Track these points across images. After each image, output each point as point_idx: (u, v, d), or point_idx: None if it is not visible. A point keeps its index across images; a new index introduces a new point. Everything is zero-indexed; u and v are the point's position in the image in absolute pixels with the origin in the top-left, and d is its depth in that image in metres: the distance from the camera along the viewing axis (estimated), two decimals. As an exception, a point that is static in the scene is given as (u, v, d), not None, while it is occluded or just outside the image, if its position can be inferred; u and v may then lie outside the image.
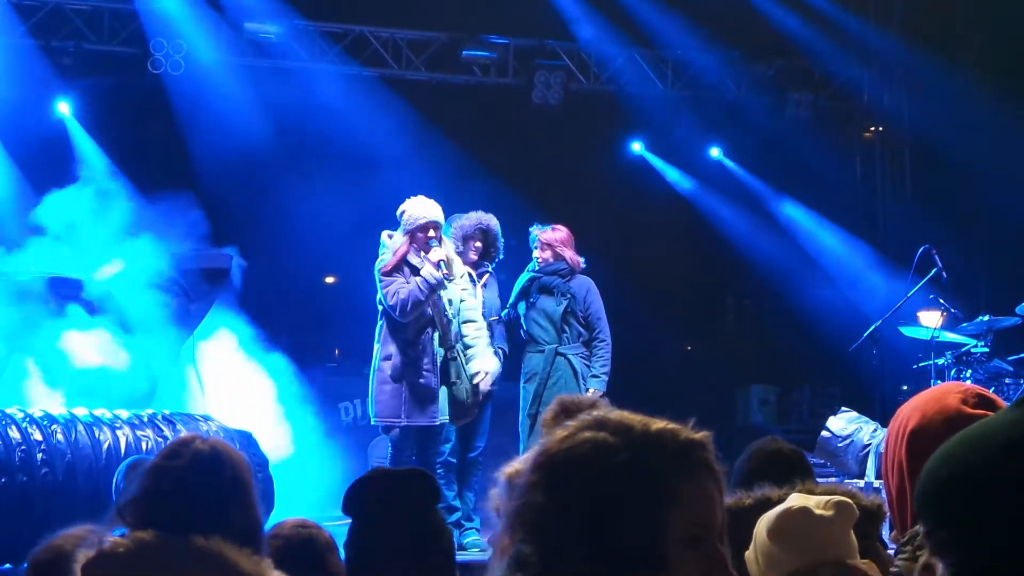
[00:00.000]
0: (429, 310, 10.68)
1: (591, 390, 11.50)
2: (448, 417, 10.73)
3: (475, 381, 10.89)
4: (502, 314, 11.91)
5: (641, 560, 2.34)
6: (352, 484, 4.49)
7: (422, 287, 10.50)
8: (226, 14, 16.42)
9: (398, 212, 10.86)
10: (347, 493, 4.42)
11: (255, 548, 4.16)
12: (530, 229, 12.14)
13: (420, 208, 10.79)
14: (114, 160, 15.88)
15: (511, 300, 11.96)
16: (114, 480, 7.05)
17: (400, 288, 10.54)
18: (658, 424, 2.43)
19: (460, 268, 11.16)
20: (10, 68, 15.29)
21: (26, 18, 15.80)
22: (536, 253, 12.03)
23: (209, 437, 4.52)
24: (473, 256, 11.76)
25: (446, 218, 11.40)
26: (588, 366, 11.76)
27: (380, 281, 10.68)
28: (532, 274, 11.96)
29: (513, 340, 11.97)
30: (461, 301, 10.95)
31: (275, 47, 16.66)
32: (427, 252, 10.67)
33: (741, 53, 18.23)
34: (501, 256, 12.08)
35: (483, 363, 10.99)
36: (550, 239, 11.99)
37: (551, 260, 11.97)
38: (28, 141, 14.97)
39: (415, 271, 10.60)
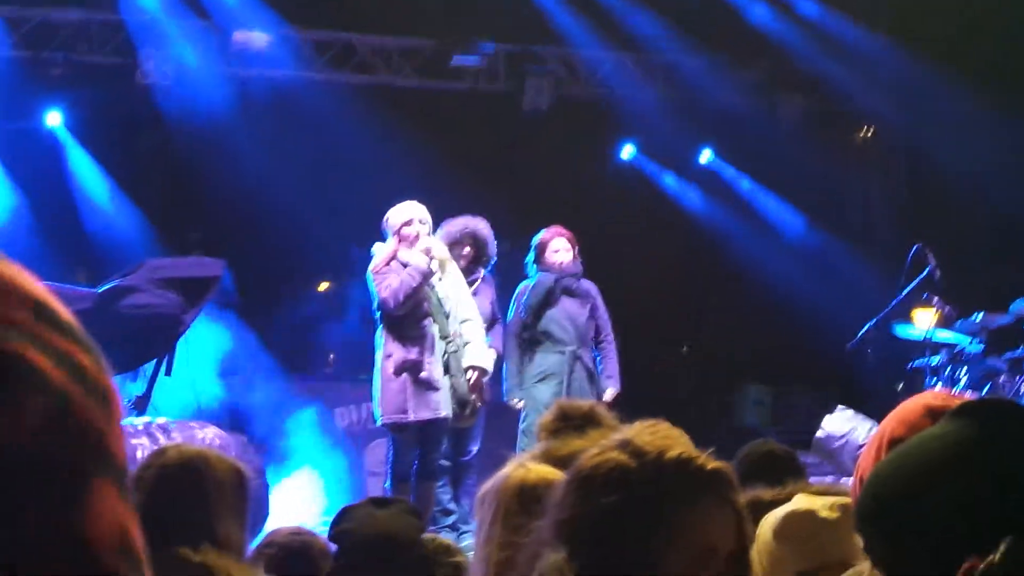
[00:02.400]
0: (425, 304, 10.67)
1: (609, 390, 11.61)
2: (450, 412, 10.71)
3: (467, 377, 10.88)
4: (523, 316, 11.80)
5: (640, 571, 2.57)
6: (337, 513, 4.49)
7: (413, 274, 10.51)
8: (214, 23, 16.40)
9: (383, 222, 10.88)
10: (332, 522, 4.41)
11: (241, 556, 4.13)
12: (542, 232, 12.07)
13: (401, 209, 10.88)
14: (105, 169, 15.87)
15: (534, 303, 11.81)
16: None
17: (392, 280, 10.55)
18: (675, 451, 2.62)
19: (452, 266, 11.14)
20: (-1, 80, 15.29)
21: (14, 29, 15.77)
22: (560, 255, 11.93)
23: (187, 445, 4.48)
24: (463, 263, 11.69)
25: (436, 225, 11.40)
26: (597, 368, 11.82)
27: (373, 280, 10.69)
28: (554, 275, 11.88)
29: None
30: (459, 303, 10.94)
31: (263, 56, 16.62)
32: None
33: (731, 57, 18.20)
34: (495, 260, 12.05)
35: (477, 359, 10.96)
36: (573, 240, 11.99)
37: (570, 261, 11.95)
38: (19, 152, 14.95)
39: (407, 266, 10.60)
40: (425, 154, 16.58)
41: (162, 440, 9.75)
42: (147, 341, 11.22)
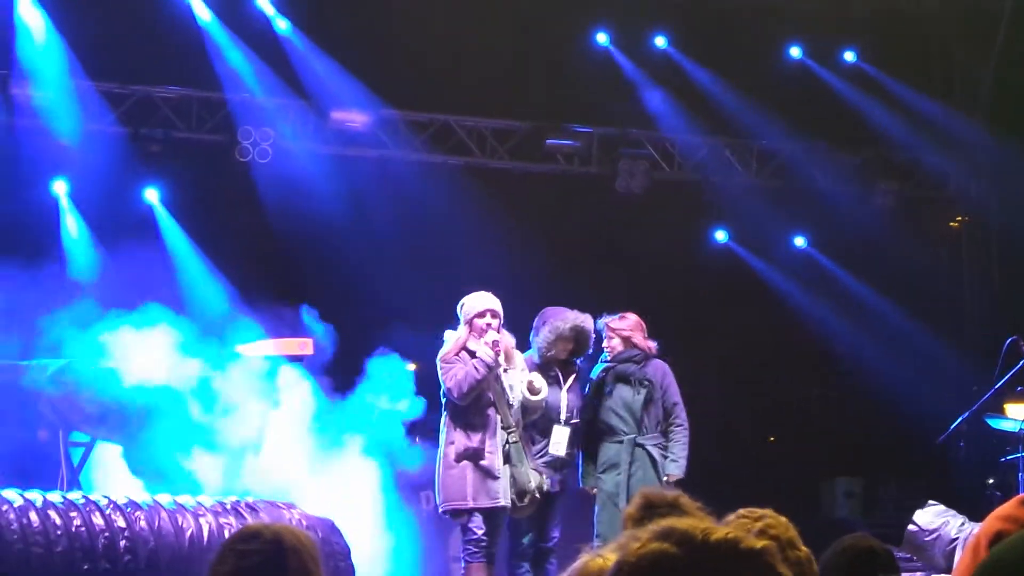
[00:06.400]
0: (490, 393, 10.78)
1: (668, 475, 11.49)
2: (510, 502, 10.78)
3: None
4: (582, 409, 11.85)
5: None
6: None
7: (478, 367, 10.74)
8: (313, 103, 16.59)
9: (458, 307, 11.05)
10: None
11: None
12: (597, 321, 12.07)
13: (476, 299, 11.11)
14: (201, 247, 15.99)
15: (586, 396, 11.87)
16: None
17: (458, 370, 10.78)
18: (719, 533, 2.55)
19: (520, 361, 11.24)
20: (99, 156, 15.45)
21: (115, 106, 16.00)
22: (604, 343, 12.00)
23: (273, 525, 4.51)
24: (564, 355, 11.79)
25: (541, 313, 11.59)
26: (664, 455, 11.70)
27: (440, 368, 10.93)
28: (605, 364, 11.93)
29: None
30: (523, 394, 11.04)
31: (361, 136, 16.79)
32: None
33: (827, 143, 18.19)
34: (591, 351, 12.08)
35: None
36: (618, 327, 11.96)
37: (621, 348, 11.93)
38: (117, 228, 15.11)
39: (474, 356, 10.80)
40: (519, 235, 16.62)
41: (249, 519, 9.81)
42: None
